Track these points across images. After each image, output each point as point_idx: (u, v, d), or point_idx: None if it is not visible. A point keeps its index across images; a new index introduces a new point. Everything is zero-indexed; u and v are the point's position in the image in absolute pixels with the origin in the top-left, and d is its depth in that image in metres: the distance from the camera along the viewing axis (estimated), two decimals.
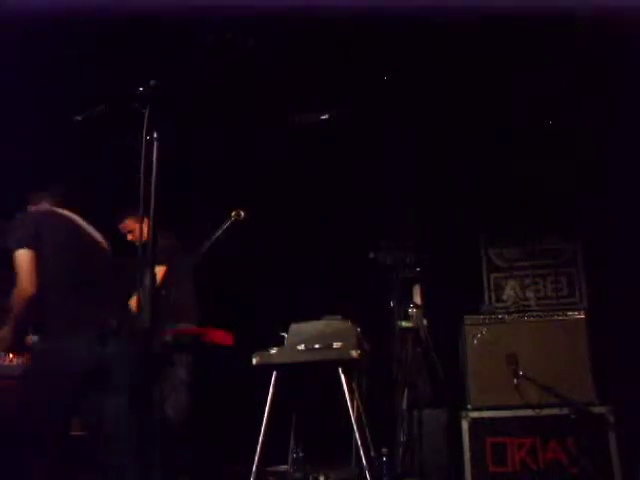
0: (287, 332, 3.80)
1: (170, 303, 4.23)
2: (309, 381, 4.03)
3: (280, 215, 5.44)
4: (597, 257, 5.29)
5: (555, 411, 4.05)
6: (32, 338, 3.40)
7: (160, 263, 4.01)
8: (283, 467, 3.94)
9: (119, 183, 3.81)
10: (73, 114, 2.94)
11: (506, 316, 4.42)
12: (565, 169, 5.25)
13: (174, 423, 4.12)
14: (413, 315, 4.42)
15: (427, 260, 4.82)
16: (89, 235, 3.48)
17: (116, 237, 4.56)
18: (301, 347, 3.66)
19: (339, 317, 3.85)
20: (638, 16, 3.80)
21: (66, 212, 3.47)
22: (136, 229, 4.50)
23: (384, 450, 3.84)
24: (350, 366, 3.67)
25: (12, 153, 4.34)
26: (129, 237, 4.59)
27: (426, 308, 4.58)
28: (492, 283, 5.60)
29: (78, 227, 3.45)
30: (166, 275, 4.22)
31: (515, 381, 4.15)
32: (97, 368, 3.11)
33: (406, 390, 4.25)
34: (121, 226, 4.59)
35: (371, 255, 4.57)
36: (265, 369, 3.71)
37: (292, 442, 3.99)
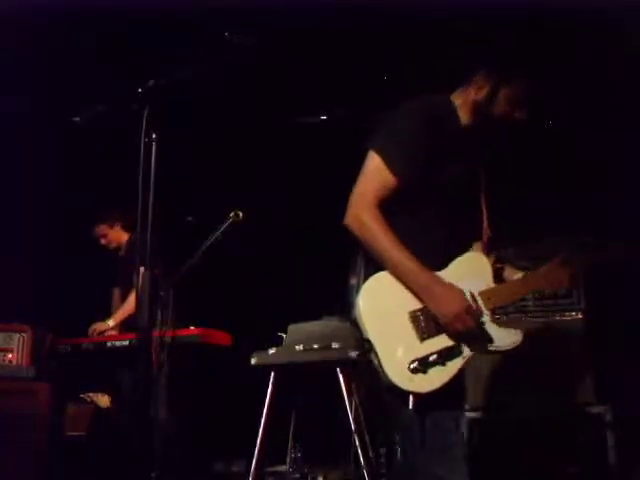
0: (286, 332, 3.81)
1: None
2: (308, 381, 4.03)
3: (280, 215, 5.44)
4: None
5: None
6: None
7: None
8: (282, 467, 3.94)
9: (118, 184, 3.81)
10: (71, 115, 2.94)
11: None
12: (565, 169, 5.24)
13: (172, 423, 4.13)
14: None
15: None
16: None
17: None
18: (300, 347, 3.66)
19: (338, 317, 3.85)
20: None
21: None
22: (108, 234, 4.74)
23: (382, 450, 3.84)
24: (349, 366, 3.67)
25: (10, 152, 4.34)
26: (102, 241, 4.77)
27: None
28: None
29: None
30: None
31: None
32: None
33: None
34: (94, 230, 4.74)
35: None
36: (264, 369, 3.71)
37: (291, 442, 3.99)
